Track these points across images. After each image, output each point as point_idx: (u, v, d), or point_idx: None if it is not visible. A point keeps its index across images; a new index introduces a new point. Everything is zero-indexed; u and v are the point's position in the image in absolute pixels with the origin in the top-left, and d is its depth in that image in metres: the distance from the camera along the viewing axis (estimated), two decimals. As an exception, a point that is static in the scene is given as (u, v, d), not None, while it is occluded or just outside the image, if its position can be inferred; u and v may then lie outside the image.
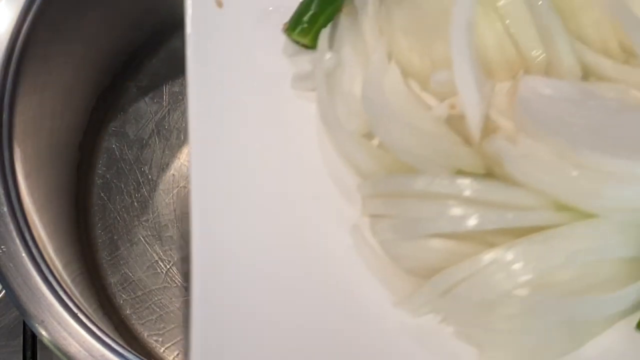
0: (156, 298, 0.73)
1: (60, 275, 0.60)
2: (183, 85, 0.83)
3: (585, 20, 0.51)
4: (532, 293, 0.44)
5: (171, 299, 0.73)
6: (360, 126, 0.51)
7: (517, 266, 0.44)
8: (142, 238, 0.76)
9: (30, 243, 0.59)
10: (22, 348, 0.65)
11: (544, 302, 0.44)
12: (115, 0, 0.77)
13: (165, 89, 0.83)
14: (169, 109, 0.82)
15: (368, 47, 0.53)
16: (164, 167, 0.78)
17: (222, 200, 0.48)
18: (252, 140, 0.52)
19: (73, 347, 0.55)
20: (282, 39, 0.55)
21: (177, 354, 0.71)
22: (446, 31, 0.48)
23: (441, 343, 0.47)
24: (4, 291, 0.59)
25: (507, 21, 0.49)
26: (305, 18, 0.54)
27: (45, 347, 0.57)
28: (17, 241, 0.59)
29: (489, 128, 0.48)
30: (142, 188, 0.78)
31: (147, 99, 0.83)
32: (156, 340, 0.71)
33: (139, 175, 0.79)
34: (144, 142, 0.80)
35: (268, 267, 0.48)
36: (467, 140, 0.49)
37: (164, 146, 0.80)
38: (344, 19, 0.55)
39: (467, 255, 0.45)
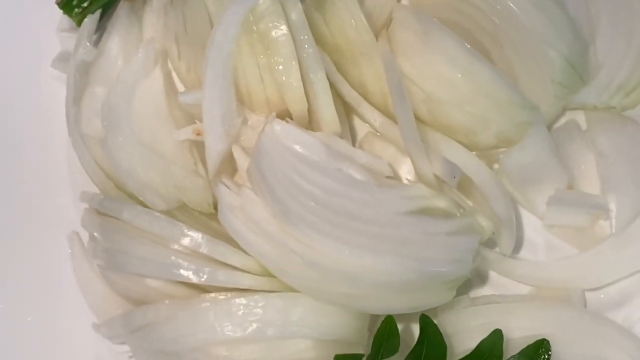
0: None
1: None
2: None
3: (367, 71, 0.50)
4: (212, 355, 0.44)
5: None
6: (100, 131, 0.49)
7: (213, 324, 0.43)
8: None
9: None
10: None
11: None
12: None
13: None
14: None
15: (140, 43, 0.51)
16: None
17: None
18: None
19: None
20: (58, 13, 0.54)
21: None
22: None
23: None
24: None
25: (272, 56, 0.47)
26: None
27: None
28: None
29: (232, 164, 0.46)
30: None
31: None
32: None
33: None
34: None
35: None
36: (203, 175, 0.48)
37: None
38: (123, 6, 0.52)
39: (174, 295, 0.46)
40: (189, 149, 0.48)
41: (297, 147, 0.45)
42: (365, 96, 0.52)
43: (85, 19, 0.52)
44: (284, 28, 0.46)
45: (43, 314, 0.52)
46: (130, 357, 0.49)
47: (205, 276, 0.45)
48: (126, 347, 0.49)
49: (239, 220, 0.44)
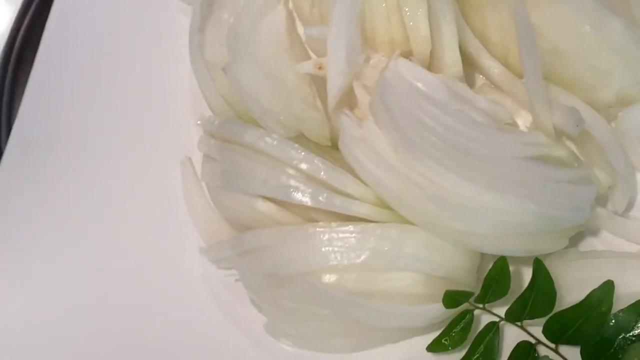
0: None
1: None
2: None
3: (490, 19, 0.49)
4: (322, 281, 0.43)
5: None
6: (223, 58, 0.49)
7: (324, 249, 0.43)
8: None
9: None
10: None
11: (333, 295, 0.43)
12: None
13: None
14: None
15: None
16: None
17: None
18: (113, 46, 0.54)
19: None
20: None
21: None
22: None
23: (233, 305, 0.49)
24: None
25: None
26: None
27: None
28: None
29: (353, 101, 0.46)
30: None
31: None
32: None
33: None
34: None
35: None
36: (326, 107, 0.47)
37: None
38: None
39: (284, 222, 0.45)
40: (308, 82, 0.49)
41: (420, 85, 0.45)
42: (486, 47, 0.52)
43: None
44: None
45: (153, 238, 0.52)
46: (237, 280, 0.49)
47: (322, 200, 0.45)
48: (233, 272, 0.49)
49: (360, 151, 0.44)
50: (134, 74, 0.56)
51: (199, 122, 0.51)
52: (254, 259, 0.46)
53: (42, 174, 0.53)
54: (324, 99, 0.48)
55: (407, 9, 0.47)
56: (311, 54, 0.53)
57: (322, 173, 0.45)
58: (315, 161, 0.45)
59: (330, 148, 0.49)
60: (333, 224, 0.45)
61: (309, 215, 0.46)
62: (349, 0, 0.46)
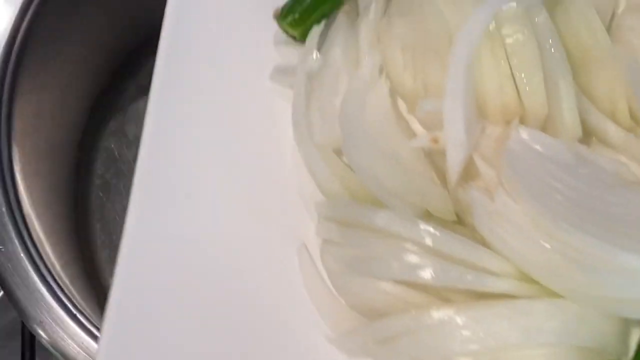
0: (155, 299, 0.73)
1: (59, 276, 0.59)
2: (182, 85, 0.83)
3: (597, 76, 0.47)
4: None
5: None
6: (332, 140, 0.47)
7: (466, 333, 0.40)
8: (141, 238, 0.76)
9: (29, 243, 0.59)
10: (20, 349, 0.65)
11: None
12: (114, 0, 0.76)
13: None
14: (168, 109, 0.81)
15: (360, 54, 0.49)
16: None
17: (164, 199, 0.46)
18: (213, 132, 0.48)
19: (72, 348, 0.55)
20: (273, 26, 0.51)
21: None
22: (446, 55, 0.45)
23: None
24: (2, 292, 0.59)
25: (514, 61, 0.45)
26: (299, 8, 0.50)
27: (43, 348, 0.57)
28: (16, 241, 0.59)
29: (469, 172, 0.45)
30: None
31: (146, 98, 0.82)
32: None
33: (138, 175, 0.79)
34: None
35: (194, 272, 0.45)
36: (443, 180, 0.45)
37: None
38: (341, 18, 0.51)
39: (417, 305, 0.42)
40: (423, 157, 0.46)
41: (546, 151, 0.43)
42: (592, 103, 0.48)
43: (314, 29, 0.50)
44: (529, 32, 0.44)
45: (277, 328, 0.46)
46: None
47: (453, 276, 0.42)
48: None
49: (498, 225, 0.42)
50: (233, 165, 0.50)
51: (313, 207, 0.47)
52: (390, 347, 0.42)
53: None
54: (439, 173, 0.46)
55: (522, 75, 0.45)
56: (418, 128, 0.49)
57: (456, 248, 0.42)
58: (448, 237, 0.42)
59: (453, 223, 0.46)
60: (471, 304, 0.41)
61: (441, 294, 0.43)
62: (462, 72, 0.44)
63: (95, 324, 0.56)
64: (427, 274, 0.41)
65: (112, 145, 0.80)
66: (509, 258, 0.42)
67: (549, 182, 0.42)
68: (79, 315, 0.56)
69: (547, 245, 0.40)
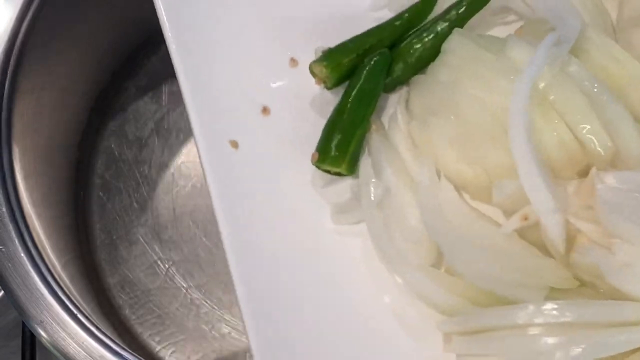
0: (155, 298, 0.73)
1: (59, 276, 0.59)
2: (182, 85, 0.83)
3: (634, 96, 0.47)
4: None
5: (170, 299, 0.73)
6: (425, 257, 0.46)
7: None
8: (141, 238, 0.76)
9: (29, 243, 0.59)
10: (21, 349, 0.65)
11: None
12: (114, 0, 0.77)
13: (165, 89, 0.83)
14: (168, 109, 0.82)
15: (408, 164, 0.49)
16: (163, 167, 0.78)
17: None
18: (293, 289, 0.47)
19: (72, 347, 0.55)
20: (307, 170, 0.50)
21: (174, 353, 0.71)
22: (499, 138, 0.45)
23: None
24: (2, 292, 0.59)
25: (567, 116, 0.45)
26: (333, 145, 0.48)
27: (43, 348, 0.57)
28: (16, 241, 0.59)
29: (570, 236, 0.44)
30: (141, 188, 0.78)
31: (146, 98, 0.83)
32: (155, 341, 0.71)
33: (138, 175, 0.79)
34: (143, 142, 0.80)
35: None
36: (546, 253, 0.45)
37: (163, 146, 0.80)
38: (375, 139, 0.50)
39: None
40: (518, 238, 0.46)
41: (632, 186, 0.43)
42: None
43: (362, 160, 0.49)
44: (570, 84, 0.45)
45: None
46: None
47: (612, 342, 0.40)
48: None
49: (629, 273, 0.41)
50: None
51: (439, 326, 0.46)
52: None
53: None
54: (540, 247, 0.45)
55: (580, 126, 0.45)
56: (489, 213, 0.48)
57: (601, 313, 0.41)
58: (590, 305, 0.42)
59: (578, 289, 0.45)
60: None
61: None
62: (525, 141, 0.43)
63: (96, 323, 0.56)
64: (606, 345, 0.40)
65: (112, 145, 0.80)
66: None
67: None
68: (79, 315, 0.56)
69: None
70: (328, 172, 0.50)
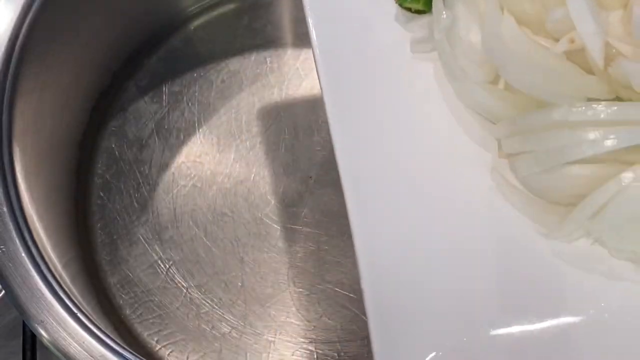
0: (156, 298, 0.73)
1: (60, 275, 0.59)
2: (183, 85, 0.83)
3: None
4: None
5: (171, 298, 0.73)
6: (485, 75, 0.53)
7: None
8: (141, 238, 0.76)
9: (30, 243, 0.59)
10: (21, 348, 0.65)
11: None
12: (114, 0, 0.77)
13: (165, 89, 0.83)
14: (168, 109, 0.82)
15: (478, 2, 0.54)
16: (163, 167, 0.78)
17: (367, 168, 0.52)
18: (384, 108, 0.54)
19: (72, 347, 0.55)
20: (394, 10, 0.57)
21: (173, 352, 0.71)
22: None
23: (597, 261, 0.50)
24: (3, 291, 0.59)
25: None
26: None
27: (44, 348, 0.57)
28: (17, 241, 0.59)
29: (609, 56, 0.49)
30: (141, 188, 0.78)
31: (146, 98, 0.83)
32: (155, 340, 0.71)
33: (138, 175, 0.79)
34: (144, 141, 0.80)
35: (421, 220, 0.50)
36: (590, 70, 0.50)
37: (163, 146, 0.80)
38: None
39: (610, 176, 0.47)
40: (566, 59, 0.52)
41: None
42: None
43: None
44: None
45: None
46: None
47: (631, 136, 0.46)
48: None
49: None
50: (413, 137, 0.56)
51: (493, 133, 0.53)
52: (606, 214, 0.48)
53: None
54: (584, 67, 0.50)
55: None
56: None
57: (630, 113, 0.47)
58: (619, 106, 0.47)
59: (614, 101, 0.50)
60: None
61: (625, 160, 0.48)
62: None
63: (96, 323, 0.56)
64: (609, 142, 0.46)
65: (113, 145, 0.81)
66: None
67: None
68: (80, 315, 0.56)
69: None
70: (409, 10, 0.56)
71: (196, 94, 0.83)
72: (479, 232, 0.51)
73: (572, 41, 0.50)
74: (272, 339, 0.70)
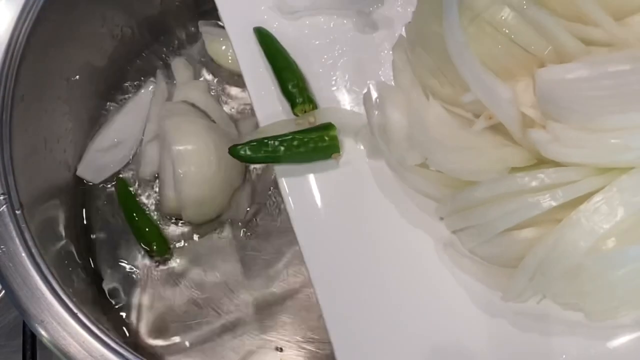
0: (156, 298, 0.73)
1: (60, 276, 0.59)
2: (183, 85, 0.83)
3: (558, 8, 0.52)
4: (614, 246, 0.47)
5: (171, 298, 0.73)
6: (414, 159, 0.55)
7: (588, 226, 0.47)
8: (141, 238, 0.76)
9: (30, 243, 0.59)
10: (22, 348, 0.65)
11: (621, 252, 0.47)
12: (115, 1, 0.77)
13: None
14: (168, 109, 0.82)
15: (408, 91, 0.57)
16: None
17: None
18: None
19: (72, 347, 0.55)
20: None
21: (173, 352, 0.71)
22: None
23: (553, 316, 0.53)
24: (3, 291, 0.59)
25: (504, 30, 0.51)
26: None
27: (44, 347, 0.57)
28: (17, 241, 0.59)
29: (527, 124, 0.51)
30: (142, 188, 0.79)
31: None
32: (156, 340, 0.71)
33: (138, 175, 0.79)
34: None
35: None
36: (513, 142, 0.53)
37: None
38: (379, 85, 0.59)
39: (544, 235, 0.50)
40: (489, 134, 0.54)
41: (570, 75, 0.49)
42: None
43: (364, 96, 0.58)
44: (502, 4, 0.51)
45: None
46: None
47: (549, 198, 0.49)
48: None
49: (559, 145, 0.49)
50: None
51: (437, 213, 0.56)
52: (545, 272, 0.50)
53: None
54: (508, 137, 0.53)
55: (506, 30, 0.51)
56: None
57: (540, 179, 0.50)
58: (537, 173, 0.50)
59: (538, 165, 0.52)
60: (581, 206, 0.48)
61: (554, 219, 0.50)
62: (464, 56, 0.50)
63: (96, 322, 0.56)
64: (546, 202, 0.49)
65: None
66: (581, 163, 0.49)
67: (580, 94, 0.48)
68: (79, 314, 0.56)
69: (598, 138, 0.47)
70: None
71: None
72: (442, 314, 0.53)
73: (489, 117, 0.52)
74: (273, 339, 0.70)
